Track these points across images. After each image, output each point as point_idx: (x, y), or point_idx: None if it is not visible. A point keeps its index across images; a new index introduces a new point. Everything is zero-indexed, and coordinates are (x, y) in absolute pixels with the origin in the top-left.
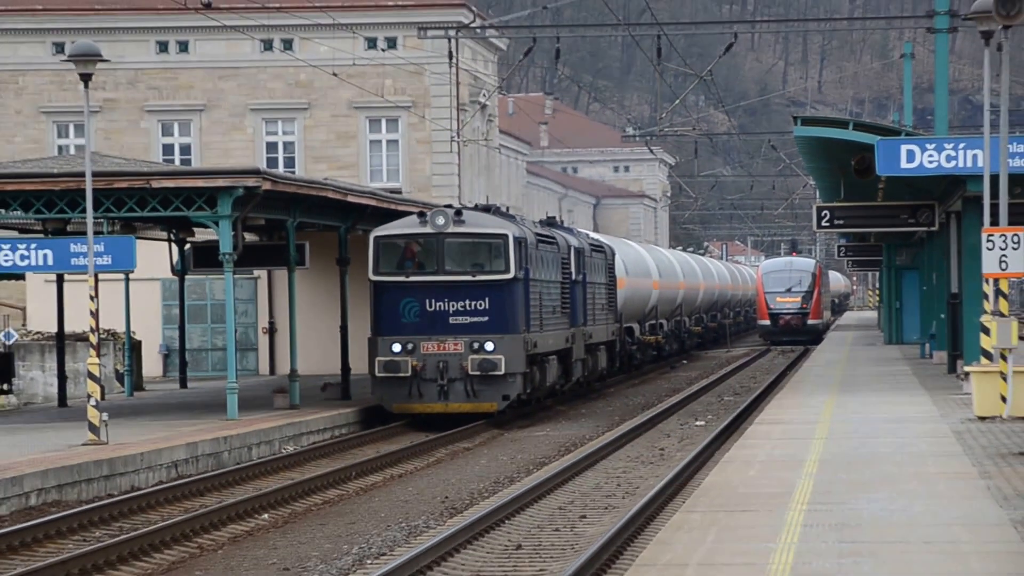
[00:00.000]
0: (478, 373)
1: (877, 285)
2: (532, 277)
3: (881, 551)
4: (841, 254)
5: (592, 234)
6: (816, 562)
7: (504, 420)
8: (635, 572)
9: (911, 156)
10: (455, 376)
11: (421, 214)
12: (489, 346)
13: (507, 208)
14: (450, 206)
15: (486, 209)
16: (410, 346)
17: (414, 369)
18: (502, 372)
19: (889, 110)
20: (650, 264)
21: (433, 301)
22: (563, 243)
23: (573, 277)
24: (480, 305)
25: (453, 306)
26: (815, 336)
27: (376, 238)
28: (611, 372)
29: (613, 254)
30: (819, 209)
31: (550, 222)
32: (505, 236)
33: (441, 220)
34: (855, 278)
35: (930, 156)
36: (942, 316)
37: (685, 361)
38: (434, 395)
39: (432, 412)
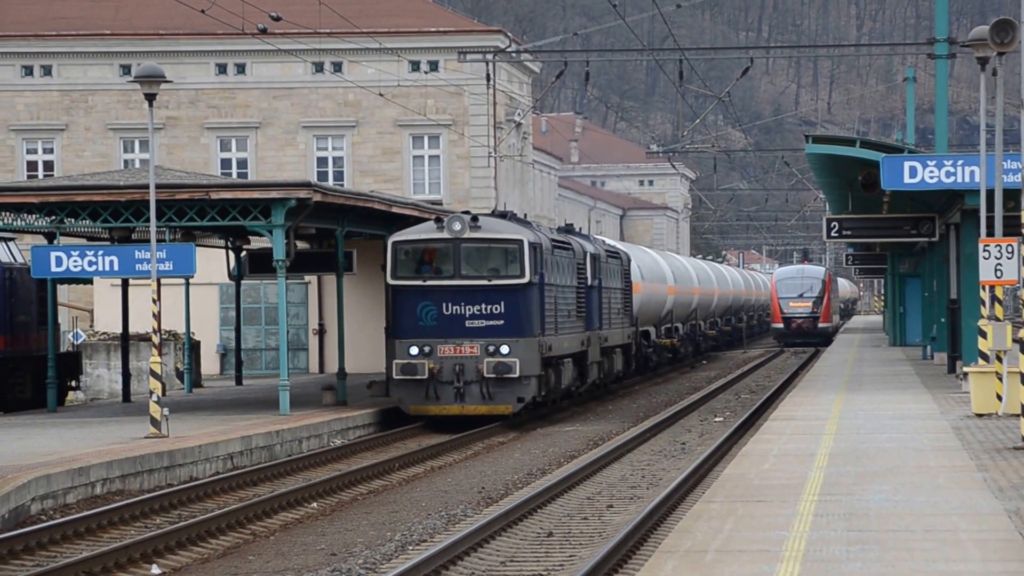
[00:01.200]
0: (493, 376)
1: (882, 291)
2: (547, 282)
3: (886, 539)
4: (849, 262)
5: (608, 240)
6: (826, 549)
7: (535, 416)
8: (658, 558)
9: (913, 172)
10: (471, 378)
11: (438, 219)
12: (504, 349)
13: (525, 215)
14: (467, 212)
15: (502, 215)
16: (427, 349)
17: (431, 371)
18: (517, 375)
19: (893, 129)
20: (665, 270)
21: (449, 305)
22: (579, 249)
23: (588, 282)
24: (496, 309)
25: (469, 310)
26: (825, 338)
27: (394, 243)
28: (627, 374)
29: (629, 260)
30: (829, 221)
31: (567, 229)
32: (520, 241)
33: (458, 226)
34: (862, 284)
35: (931, 172)
36: (942, 320)
37: (704, 361)
38: (450, 397)
39: (448, 414)
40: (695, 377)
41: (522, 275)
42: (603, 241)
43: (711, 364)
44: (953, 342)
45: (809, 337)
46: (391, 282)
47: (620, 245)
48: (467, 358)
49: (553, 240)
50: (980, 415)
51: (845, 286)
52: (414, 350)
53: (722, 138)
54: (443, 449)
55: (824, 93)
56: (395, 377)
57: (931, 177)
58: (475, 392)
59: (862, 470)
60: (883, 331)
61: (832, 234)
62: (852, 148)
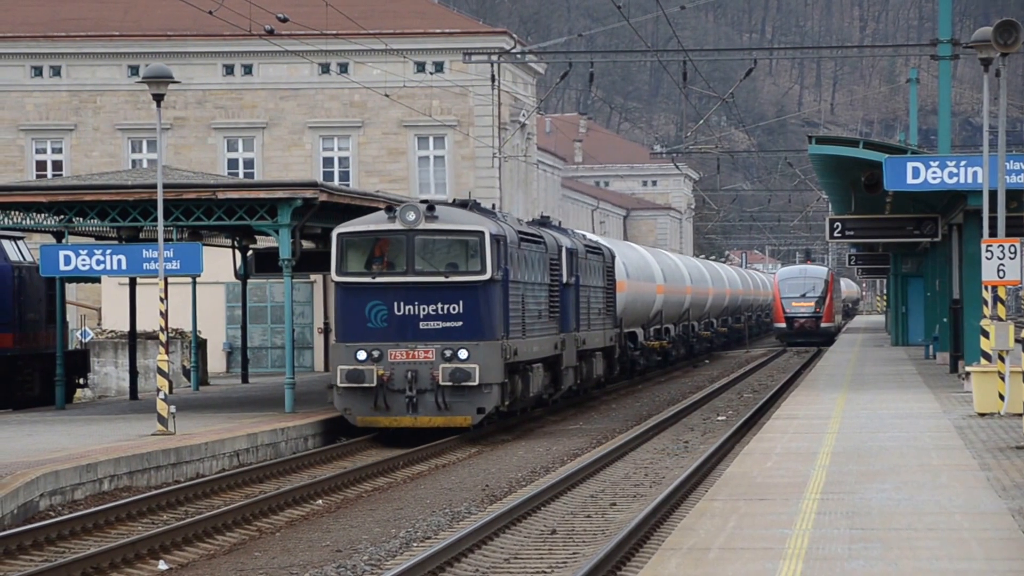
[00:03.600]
0: (450, 383)
1: (885, 291)
2: (513, 278)
3: (889, 537)
4: (852, 262)
5: (589, 235)
6: (829, 547)
7: (533, 420)
8: (661, 555)
9: (916, 173)
10: (425, 387)
11: (390, 209)
12: (463, 354)
13: (494, 205)
14: (425, 201)
15: (463, 204)
16: (376, 353)
17: (380, 379)
18: (476, 382)
19: (896, 130)
20: (654, 268)
21: (402, 304)
22: (552, 243)
23: (564, 279)
24: (453, 309)
25: (424, 310)
26: (828, 338)
27: (340, 235)
28: (610, 379)
29: (612, 256)
30: (832, 221)
31: (541, 222)
32: (481, 233)
33: (411, 216)
34: (864, 284)
35: (934, 173)
36: (945, 320)
37: (707, 361)
38: (402, 407)
39: (400, 426)
40: (698, 376)
41: (483, 271)
42: (583, 236)
43: (714, 363)
44: (955, 342)
45: (812, 337)
46: (336, 279)
47: (603, 240)
48: (421, 364)
49: (521, 233)
50: (982, 414)
51: (848, 286)
52: (362, 355)
53: (725, 139)
54: (447, 447)
55: (827, 94)
56: (339, 385)
57: (934, 178)
58: (429, 402)
59: (865, 468)
60: (885, 331)
61: (835, 234)
62: (855, 149)
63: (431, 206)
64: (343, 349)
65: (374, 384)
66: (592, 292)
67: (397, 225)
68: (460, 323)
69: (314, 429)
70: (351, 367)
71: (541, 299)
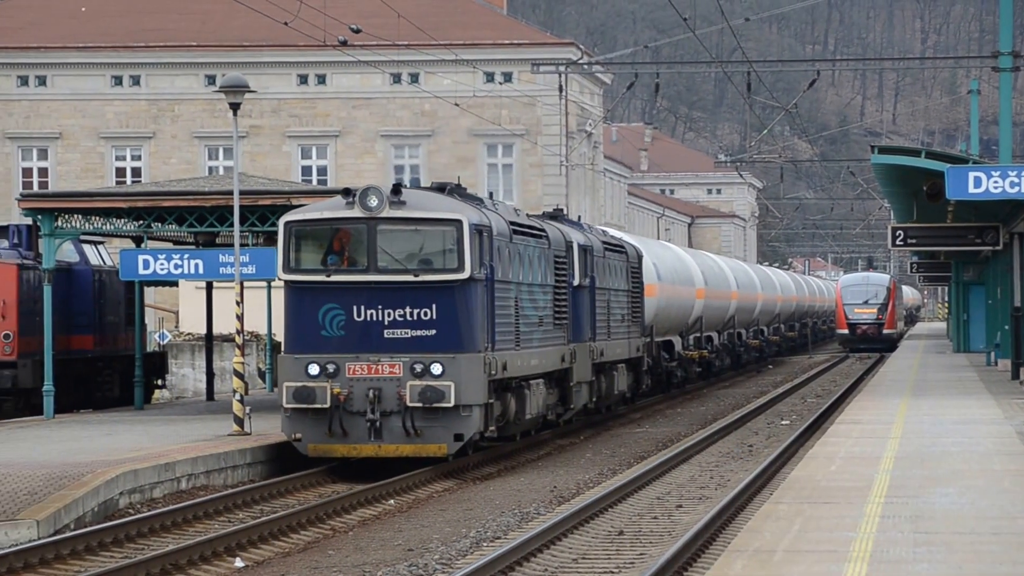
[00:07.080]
0: (420, 404)
1: (946, 298)
2: (501, 277)
3: (953, 540)
4: (913, 270)
5: (611, 231)
6: (893, 550)
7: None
8: (727, 557)
9: (978, 182)
10: (391, 408)
11: (348, 192)
12: (436, 368)
13: (491, 194)
14: (398, 184)
15: (440, 188)
16: (332, 368)
17: (336, 398)
18: (452, 403)
19: (957, 140)
20: (693, 270)
21: (363, 309)
22: (557, 238)
23: (576, 281)
24: (425, 314)
25: (389, 315)
26: (890, 344)
27: (288, 224)
28: (639, 394)
29: (639, 257)
30: (894, 229)
31: (552, 215)
32: (458, 222)
33: (374, 201)
34: (926, 292)
35: (995, 182)
36: (1006, 327)
37: (770, 366)
38: (363, 433)
39: (360, 455)
40: (761, 382)
41: (461, 268)
42: (603, 231)
43: (777, 369)
44: (1017, 349)
45: (874, 343)
46: (284, 277)
47: (629, 238)
48: (385, 380)
49: (514, 224)
50: None
51: (909, 293)
52: (314, 369)
53: (788, 148)
54: (516, 449)
55: (889, 105)
56: (286, 406)
57: (995, 187)
58: (396, 427)
59: (927, 473)
60: (947, 338)
61: (897, 242)
62: (918, 159)
63: (397, 189)
64: (291, 362)
65: (328, 404)
66: (612, 296)
67: (356, 212)
68: (433, 331)
69: None
70: (300, 384)
71: (542, 303)
